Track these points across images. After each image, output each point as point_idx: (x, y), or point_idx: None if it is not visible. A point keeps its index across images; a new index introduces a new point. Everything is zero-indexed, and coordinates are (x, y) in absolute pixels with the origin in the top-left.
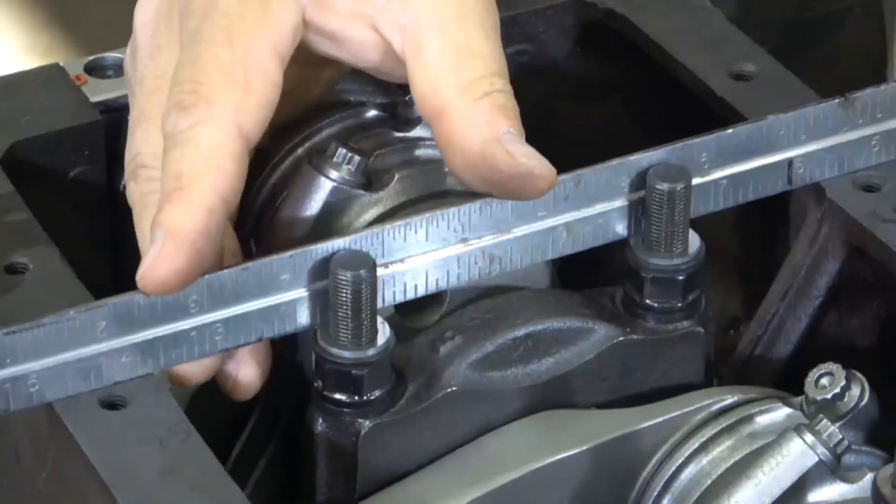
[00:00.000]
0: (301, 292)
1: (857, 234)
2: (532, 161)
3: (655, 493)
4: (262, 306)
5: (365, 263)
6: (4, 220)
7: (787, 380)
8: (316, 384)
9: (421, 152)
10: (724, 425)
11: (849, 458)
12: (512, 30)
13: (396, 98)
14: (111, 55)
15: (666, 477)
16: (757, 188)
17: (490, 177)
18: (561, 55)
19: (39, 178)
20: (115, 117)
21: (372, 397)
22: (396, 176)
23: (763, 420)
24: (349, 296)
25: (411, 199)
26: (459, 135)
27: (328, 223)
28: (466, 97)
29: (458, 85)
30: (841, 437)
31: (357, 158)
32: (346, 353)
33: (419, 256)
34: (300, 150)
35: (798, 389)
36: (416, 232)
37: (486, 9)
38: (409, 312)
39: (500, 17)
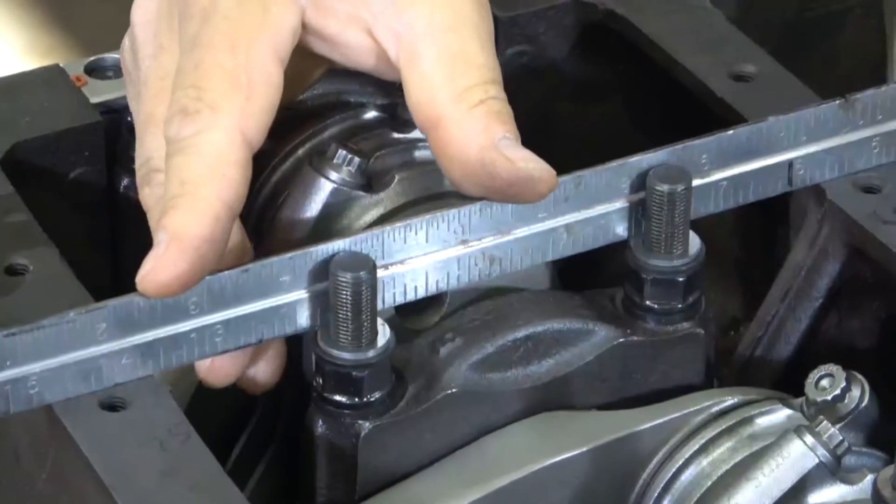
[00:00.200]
0: (301, 294)
1: (857, 235)
2: (531, 165)
3: (655, 495)
4: (263, 308)
5: (365, 265)
6: (4, 221)
7: (787, 381)
8: (316, 385)
9: (421, 153)
10: (724, 427)
11: (849, 460)
12: (512, 31)
13: (396, 99)
14: (111, 56)
15: (666, 478)
16: (757, 189)
17: (490, 183)
18: (561, 56)
19: (39, 179)
20: (115, 118)
21: (372, 399)
22: (396, 177)
23: (763, 421)
24: (349, 297)
25: (411, 201)
26: (456, 143)
27: (328, 224)
28: (462, 105)
29: (452, 94)
30: (841, 438)
31: (357, 160)
32: (347, 355)
33: (419, 258)
34: (300, 152)
35: (798, 391)
36: (416, 233)
37: (481, 16)
38: (409, 314)
39: (500, 18)
